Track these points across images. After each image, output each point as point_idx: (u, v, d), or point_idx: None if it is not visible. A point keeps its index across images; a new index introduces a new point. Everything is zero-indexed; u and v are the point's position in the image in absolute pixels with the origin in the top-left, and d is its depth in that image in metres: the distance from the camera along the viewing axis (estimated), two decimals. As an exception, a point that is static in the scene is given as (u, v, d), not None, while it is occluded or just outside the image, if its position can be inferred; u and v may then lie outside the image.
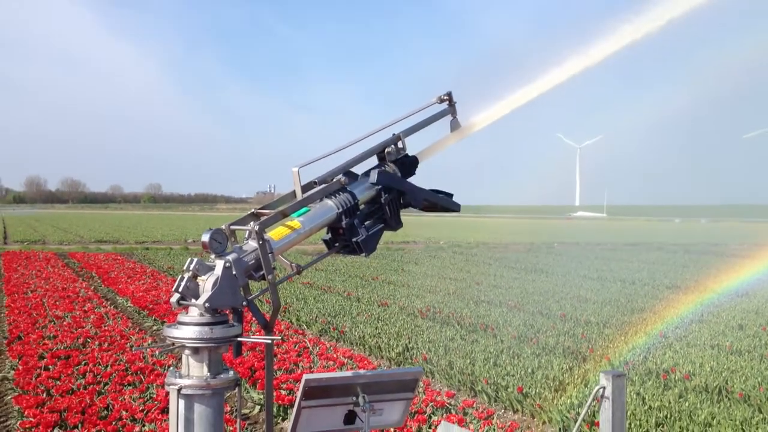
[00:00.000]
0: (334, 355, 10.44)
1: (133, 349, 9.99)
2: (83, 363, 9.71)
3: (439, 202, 3.39)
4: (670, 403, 8.11)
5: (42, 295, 16.52)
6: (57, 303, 15.22)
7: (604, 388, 4.08)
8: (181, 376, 2.62)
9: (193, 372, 2.62)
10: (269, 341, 2.80)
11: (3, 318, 14.31)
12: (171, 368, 2.74)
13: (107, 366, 9.56)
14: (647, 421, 7.55)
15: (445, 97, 3.42)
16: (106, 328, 12.48)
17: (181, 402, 2.59)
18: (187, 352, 2.62)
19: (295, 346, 10.95)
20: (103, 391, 8.47)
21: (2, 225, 64.80)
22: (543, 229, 79.20)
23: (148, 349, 10.34)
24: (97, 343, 11.12)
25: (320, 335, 12.88)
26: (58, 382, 8.69)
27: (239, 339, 2.67)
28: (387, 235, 3.40)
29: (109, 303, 16.16)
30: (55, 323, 12.76)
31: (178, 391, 2.58)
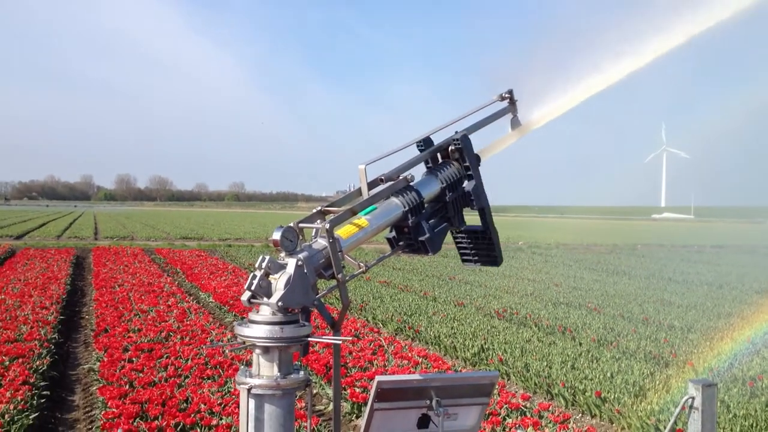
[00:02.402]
0: (409, 354, 10.41)
1: (212, 344, 10.19)
2: (165, 356, 9.96)
3: (491, 224, 3.18)
4: (756, 411, 7.78)
5: (128, 289, 17.02)
6: (142, 297, 15.67)
7: (693, 398, 3.90)
8: (251, 376, 2.60)
9: (264, 372, 2.60)
10: (338, 341, 2.78)
11: (91, 311, 14.85)
12: (242, 366, 2.73)
13: (188, 359, 9.77)
14: (732, 430, 7.28)
15: (506, 95, 3.35)
16: (188, 322, 12.77)
17: (251, 402, 2.57)
18: (257, 351, 2.61)
19: (370, 345, 10.97)
20: (183, 384, 8.65)
21: (94, 221, 67.43)
22: (626, 230, 77.30)
23: (226, 346, 10.54)
24: (179, 336, 11.39)
25: (396, 334, 12.88)
26: (140, 375, 8.92)
27: (308, 339, 2.65)
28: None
29: (191, 298, 16.57)
30: (139, 317, 13.14)
31: (248, 390, 2.58)
